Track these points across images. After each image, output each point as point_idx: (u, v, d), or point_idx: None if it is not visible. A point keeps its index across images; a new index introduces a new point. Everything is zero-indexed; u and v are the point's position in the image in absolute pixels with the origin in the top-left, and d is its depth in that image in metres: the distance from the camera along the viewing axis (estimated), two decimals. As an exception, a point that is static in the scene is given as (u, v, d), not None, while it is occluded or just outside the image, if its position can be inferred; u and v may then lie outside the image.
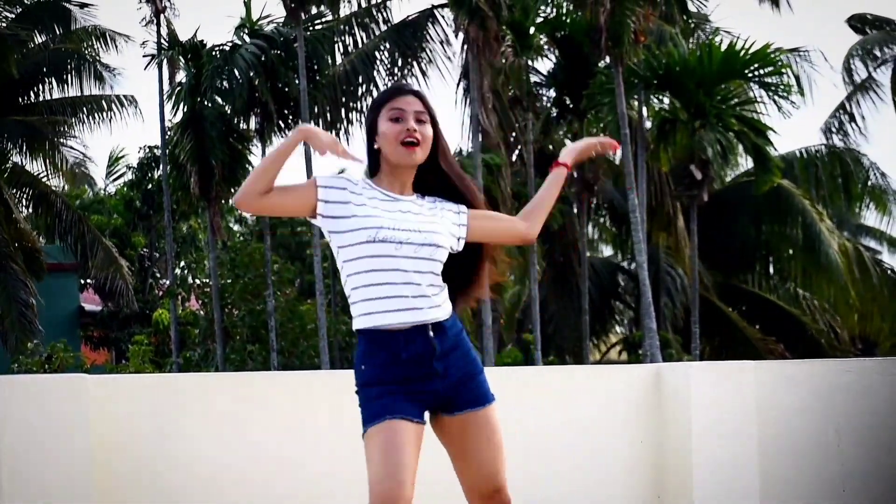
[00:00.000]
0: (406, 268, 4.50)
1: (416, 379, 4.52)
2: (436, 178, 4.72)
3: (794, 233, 31.98)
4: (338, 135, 31.01)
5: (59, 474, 6.47)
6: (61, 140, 30.90)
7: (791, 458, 7.78)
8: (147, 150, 33.88)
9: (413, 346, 4.51)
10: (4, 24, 29.71)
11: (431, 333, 4.53)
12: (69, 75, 30.02)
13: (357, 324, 4.57)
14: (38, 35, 30.51)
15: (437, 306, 4.57)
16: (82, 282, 34.40)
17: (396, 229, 4.51)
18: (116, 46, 30.78)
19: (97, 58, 30.35)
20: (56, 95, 30.42)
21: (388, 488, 4.36)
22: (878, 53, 33.77)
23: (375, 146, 4.66)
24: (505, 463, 4.67)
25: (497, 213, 4.90)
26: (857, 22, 34.70)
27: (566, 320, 32.22)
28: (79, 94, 30.45)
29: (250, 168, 29.81)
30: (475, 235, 4.73)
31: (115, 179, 35.83)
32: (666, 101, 27.91)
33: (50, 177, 30.47)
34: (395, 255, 4.50)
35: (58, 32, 30.66)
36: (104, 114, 30.62)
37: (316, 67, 29.20)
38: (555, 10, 28.14)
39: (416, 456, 4.47)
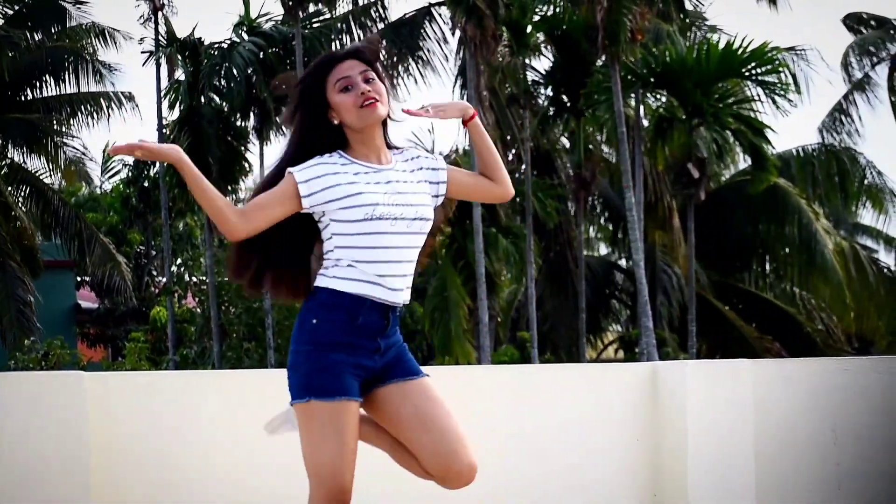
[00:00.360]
0: (398, 244, 4.46)
1: (360, 349, 4.44)
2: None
3: (791, 232, 32.01)
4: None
5: (55, 471, 6.48)
6: (59, 137, 30.88)
7: (787, 457, 7.79)
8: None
9: (369, 316, 4.44)
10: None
11: (390, 313, 4.49)
12: (66, 73, 29.98)
13: (328, 283, 4.45)
14: (35, 33, 30.46)
15: (409, 289, 4.54)
16: (79, 279, 34.37)
17: (389, 205, 4.44)
18: (116, 43, 30.76)
19: (94, 56, 30.30)
20: (53, 92, 30.38)
21: (340, 485, 4.39)
22: (874, 52, 33.78)
23: (335, 121, 4.52)
24: (461, 431, 4.53)
25: (470, 171, 4.81)
26: (854, 21, 34.70)
27: (562, 318, 32.22)
28: (77, 91, 30.42)
29: (247, 165, 29.87)
30: (453, 192, 4.69)
31: (110, 176, 35.79)
32: (663, 99, 27.93)
33: (51, 174, 30.43)
34: (389, 231, 4.44)
35: (54, 30, 30.61)
36: (102, 111, 30.58)
37: (314, 65, 29.23)
38: (552, 8, 28.13)
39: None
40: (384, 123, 4.60)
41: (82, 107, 30.49)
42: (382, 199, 4.44)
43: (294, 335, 4.51)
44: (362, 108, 4.46)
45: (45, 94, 30.40)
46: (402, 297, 4.50)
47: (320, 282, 4.48)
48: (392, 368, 4.53)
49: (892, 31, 33.66)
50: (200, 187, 4.40)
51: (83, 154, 32.64)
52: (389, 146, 4.63)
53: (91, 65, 29.99)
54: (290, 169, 4.46)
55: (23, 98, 30.19)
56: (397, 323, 4.57)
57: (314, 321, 4.44)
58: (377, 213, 4.42)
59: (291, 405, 4.52)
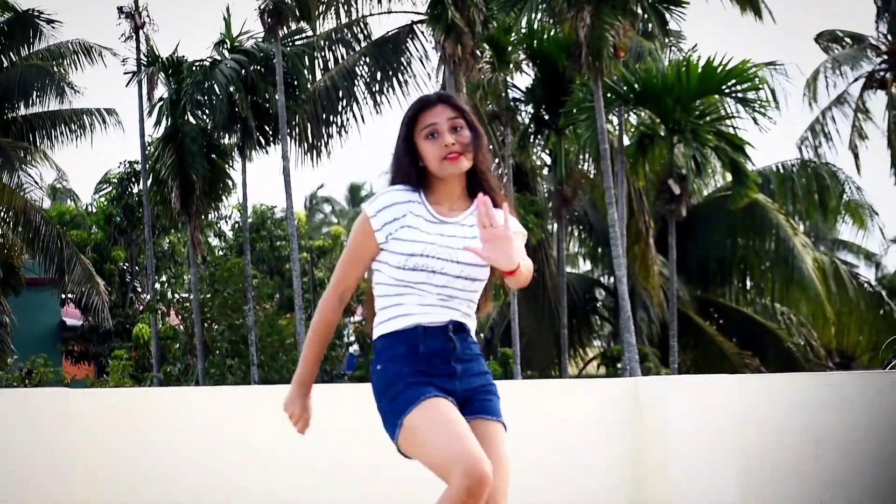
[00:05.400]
0: (440, 292, 4.45)
1: (435, 374, 4.40)
2: (475, 178, 4.61)
3: (769, 247, 32.13)
4: (318, 151, 31.08)
5: (40, 486, 6.49)
6: (39, 156, 30.90)
7: (770, 471, 7.84)
8: (127, 164, 33.85)
9: (431, 342, 4.43)
10: None
11: (451, 333, 4.45)
12: (44, 91, 30.04)
13: (378, 331, 4.49)
14: (12, 52, 30.51)
15: (460, 312, 4.49)
16: (63, 296, 34.34)
17: (431, 257, 4.43)
18: (104, 59, 30.82)
19: (63, 77, 30.36)
20: (34, 110, 30.42)
21: (475, 465, 4.16)
22: (849, 69, 33.92)
23: (421, 164, 4.53)
24: (507, 491, 4.47)
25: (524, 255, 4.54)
26: (828, 39, 34.84)
27: (538, 335, 32.24)
28: (59, 108, 30.46)
29: (231, 183, 29.90)
30: None
31: (102, 195, 35.78)
32: (644, 116, 28.03)
33: (29, 191, 30.38)
34: (426, 281, 4.44)
35: (30, 50, 30.68)
36: (85, 128, 30.62)
37: (296, 83, 29.24)
38: (532, 25, 28.21)
39: None
40: (474, 176, 4.58)
41: (65, 125, 30.51)
42: (423, 248, 4.43)
43: (372, 389, 4.51)
44: (444, 161, 4.47)
45: (27, 111, 30.42)
46: (456, 315, 4.48)
47: (375, 332, 4.51)
48: (471, 401, 4.48)
49: (866, 49, 33.82)
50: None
51: (61, 175, 32.64)
52: (479, 193, 4.51)
53: (61, 85, 30.03)
54: (366, 214, 4.50)
55: (3, 116, 30.20)
56: (472, 354, 4.52)
57: (378, 367, 4.48)
58: (411, 263, 4.42)
59: (399, 450, 4.45)
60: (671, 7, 25.46)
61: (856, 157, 33.06)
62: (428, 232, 4.46)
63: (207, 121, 29.22)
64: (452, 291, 4.46)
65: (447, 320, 4.44)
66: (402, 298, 4.45)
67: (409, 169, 4.54)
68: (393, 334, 4.44)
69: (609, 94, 26.37)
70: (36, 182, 30.59)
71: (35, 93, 30.21)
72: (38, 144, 30.78)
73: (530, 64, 29.33)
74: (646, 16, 25.60)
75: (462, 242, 4.44)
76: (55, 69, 30.44)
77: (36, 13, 30.37)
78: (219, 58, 29.16)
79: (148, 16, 30.46)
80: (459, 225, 4.52)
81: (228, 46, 29.38)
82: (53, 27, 30.63)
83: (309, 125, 30.63)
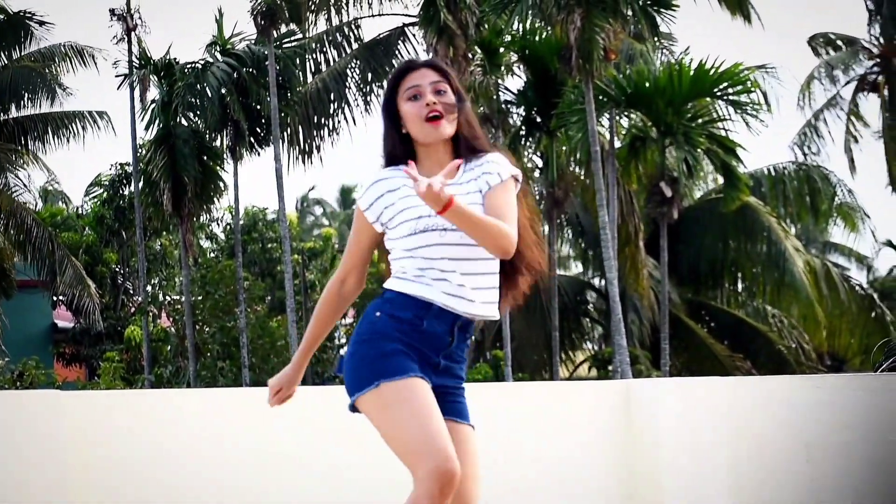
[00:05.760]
0: (456, 255, 4.33)
1: (422, 357, 4.29)
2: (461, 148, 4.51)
3: (760, 250, 32.18)
4: (309, 153, 31.07)
5: (32, 489, 6.48)
6: (29, 159, 30.88)
7: (761, 473, 7.85)
8: (118, 167, 33.82)
9: (434, 325, 4.31)
10: None
11: (457, 329, 4.34)
12: (35, 93, 30.02)
13: (397, 285, 4.36)
14: (3, 54, 30.47)
15: (487, 303, 4.38)
16: (55, 298, 34.33)
17: (434, 216, 4.29)
18: (95, 62, 30.79)
19: (55, 78, 30.32)
20: (25, 113, 30.39)
21: (443, 454, 4.08)
22: (842, 72, 33.99)
23: (404, 131, 4.45)
24: (480, 493, 4.39)
25: (507, 210, 4.40)
26: (820, 42, 34.90)
27: (529, 338, 32.27)
28: (50, 111, 30.44)
29: (222, 185, 29.87)
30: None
31: (94, 198, 35.74)
32: (636, 118, 28.05)
33: (20, 194, 30.35)
34: (439, 242, 4.32)
35: (21, 52, 30.64)
36: (76, 130, 30.59)
37: (287, 85, 29.24)
38: (524, 27, 28.23)
39: None
40: (457, 137, 4.50)
41: (54, 127, 30.48)
42: (427, 209, 4.29)
43: (356, 331, 4.38)
44: (426, 122, 4.40)
45: (22, 113, 30.40)
46: (475, 309, 4.34)
47: (389, 284, 4.39)
48: (444, 401, 4.34)
49: (858, 52, 33.89)
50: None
51: (52, 177, 32.64)
52: (471, 153, 4.49)
53: (54, 86, 30.00)
54: (357, 202, 4.51)
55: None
56: (462, 351, 4.43)
57: (377, 314, 4.34)
58: (421, 225, 4.33)
59: (353, 406, 4.33)
60: (661, 10, 25.49)
61: (851, 160, 33.15)
62: (417, 199, 4.31)
63: (199, 123, 29.21)
64: (468, 250, 4.32)
65: (463, 310, 4.32)
66: (422, 264, 4.32)
67: (395, 142, 4.48)
68: (408, 297, 4.32)
69: (601, 97, 26.40)
70: (25, 185, 30.56)
71: (26, 95, 30.18)
72: (30, 147, 30.74)
73: (522, 66, 29.36)
74: (636, 18, 25.61)
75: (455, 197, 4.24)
76: (46, 71, 30.41)
77: (27, 15, 30.32)
78: (211, 60, 29.15)
79: (140, 18, 30.45)
80: (453, 184, 4.36)
81: (220, 49, 29.37)
82: (45, 29, 30.61)
83: (300, 128, 30.64)
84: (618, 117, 28.48)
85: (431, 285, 4.31)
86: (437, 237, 4.32)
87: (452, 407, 4.37)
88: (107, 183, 34.21)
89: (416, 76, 4.46)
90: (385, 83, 30.72)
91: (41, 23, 30.51)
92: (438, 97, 4.43)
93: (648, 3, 25.26)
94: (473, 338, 4.45)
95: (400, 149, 4.48)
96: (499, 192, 4.40)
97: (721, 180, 29.47)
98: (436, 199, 4.11)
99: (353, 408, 4.33)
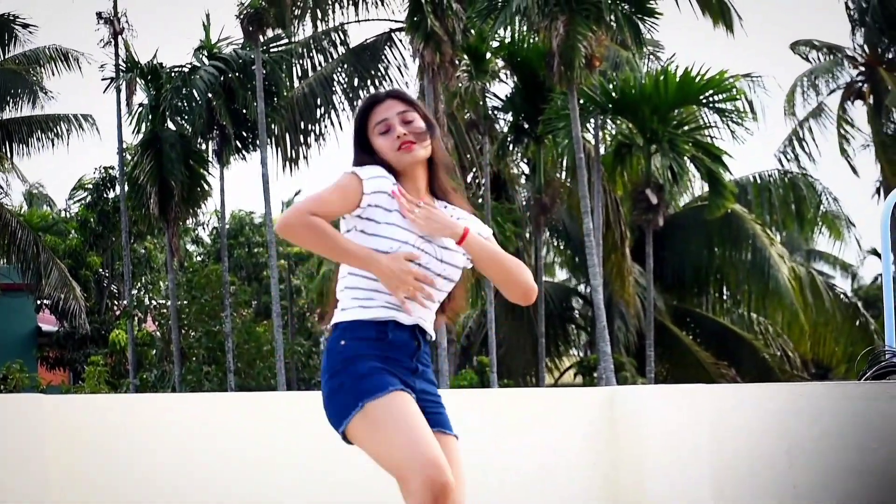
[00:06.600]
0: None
1: (396, 362, 4.27)
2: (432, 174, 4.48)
3: (745, 257, 32.25)
4: (296, 158, 31.10)
5: (14, 493, 6.48)
6: (8, 163, 30.84)
7: (744, 481, 7.86)
8: (102, 170, 33.75)
9: (398, 334, 4.29)
10: None
11: (418, 332, 4.32)
12: (18, 96, 29.98)
13: (348, 316, 4.30)
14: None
15: (427, 317, 4.36)
16: (39, 302, 34.26)
17: (419, 249, 4.29)
18: (80, 65, 30.75)
19: (38, 81, 30.28)
20: (9, 115, 30.34)
21: (437, 476, 4.04)
22: (827, 80, 34.11)
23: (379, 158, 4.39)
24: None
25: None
26: (804, 48, 35.01)
27: (516, 344, 32.31)
28: (35, 113, 30.40)
29: (209, 188, 29.82)
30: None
31: (78, 201, 35.66)
32: (622, 125, 28.12)
33: (5, 195, 30.31)
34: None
35: (5, 54, 30.59)
36: (62, 133, 30.54)
37: (274, 90, 29.24)
38: (510, 34, 28.28)
39: None
40: (433, 170, 4.47)
41: (39, 130, 30.43)
42: (415, 241, 4.29)
43: (325, 366, 4.32)
44: (399, 151, 4.36)
45: (4, 116, 30.34)
46: (427, 326, 4.35)
47: (339, 317, 4.32)
48: (427, 411, 4.29)
49: (842, 60, 34.00)
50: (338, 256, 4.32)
51: (37, 183, 32.63)
52: (438, 196, 4.47)
53: (31, 90, 29.95)
54: (359, 172, 4.31)
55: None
56: (427, 360, 4.39)
57: (342, 342, 4.28)
58: (411, 240, 4.30)
59: (343, 434, 4.27)
60: (644, 18, 25.55)
61: (851, 166, 33.27)
62: (409, 226, 4.31)
63: (186, 127, 29.20)
64: (430, 291, 4.31)
65: (414, 323, 4.31)
66: (377, 294, 4.28)
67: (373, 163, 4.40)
68: (363, 322, 4.27)
69: (586, 104, 26.45)
70: (2, 188, 30.50)
71: (9, 98, 30.11)
72: (14, 150, 30.67)
73: (510, 73, 29.41)
74: (619, 26, 25.66)
75: (444, 240, 4.31)
76: (30, 74, 30.35)
77: (11, 17, 30.28)
78: (198, 64, 29.14)
79: (127, 21, 30.42)
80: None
81: (207, 53, 29.36)
82: (29, 32, 30.56)
83: (287, 133, 30.66)
84: (604, 124, 28.54)
85: (385, 307, 4.28)
86: (424, 259, 4.30)
87: (435, 418, 4.33)
88: (91, 186, 34.13)
89: (382, 110, 4.43)
90: (371, 86, 30.77)
91: (25, 25, 30.47)
92: (408, 126, 4.39)
93: (632, 11, 25.33)
94: (457, 343, 4.43)
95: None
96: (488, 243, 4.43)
97: (706, 188, 29.52)
98: (450, 227, 4.25)
99: (346, 438, 4.30)
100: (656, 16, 25.54)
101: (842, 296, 34.17)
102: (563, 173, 30.35)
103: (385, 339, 4.26)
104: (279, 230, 4.29)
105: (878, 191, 33.20)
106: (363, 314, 4.28)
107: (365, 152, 4.43)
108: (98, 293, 34.71)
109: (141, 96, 29.58)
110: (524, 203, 31.25)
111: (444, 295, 4.40)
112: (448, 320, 4.62)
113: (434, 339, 4.47)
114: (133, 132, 29.48)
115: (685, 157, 26.72)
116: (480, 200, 28.43)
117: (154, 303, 34.03)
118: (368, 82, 31.18)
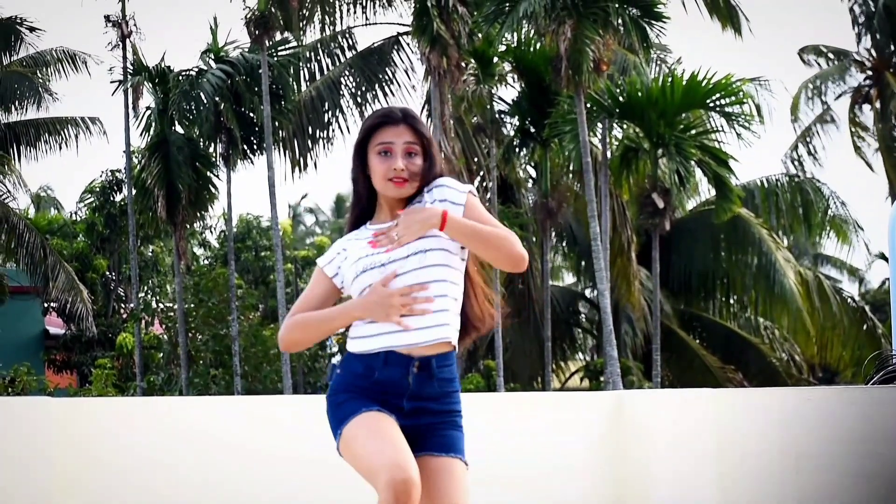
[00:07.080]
0: (399, 285, 4.33)
1: (384, 401, 4.34)
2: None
3: (752, 262, 32.19)
4: (304, 162, 31.10)
5: (21, 495, 6.49)
6: (24, 163, 30.90)
7: (750, 485, 7.86)
8: (109, 173, 33.77)
9: (386, 372, 4.36)
10: None
11: (415, 369, 4.36)
12: (25, 99, 30.02)
13: (348, 347, 4.46)
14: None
15: (440, 326, 4.37)
16: (46, 305, 34.31)
17: (373, 254, 4.36)
18: (87, 68, 30.79)
19: (44, 84, 30.31)
20: (15, 118, 30.39)
21: (397, 474, 4.11)
22: (835, 85, 34.11)
23: (367, 174, 4.46)
24: None
25: (489, 218, 4.49)
26: (810, 54, 35.00)
27: (523, 348, 32.27)
28: (41, 116, 30.44)
29: (216, 192, 29.80)
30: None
31: (85, 205, 35.68)
32: (628, 129, 28.09)
33: (12, 199, 30.34)
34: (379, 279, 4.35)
35: (11, 57, 30.63)
36: (69, 136, 30.58)
37: (281, 93, 29.23)
38: (517, 38, 28.28)
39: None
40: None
41: (46, 133, 30.47)
42: (367, 250, 4.39)
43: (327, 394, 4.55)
44: (389, 182, 4.39)
45: (13, 118, 30.38)
46: (427, 336, 4.33)
47: (347, 345, 4.48)
48: (424, 438, 4.39)
49: (849, 65, 33.99)
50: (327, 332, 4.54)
51: (46, 186, 32.65)
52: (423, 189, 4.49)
53: (37, 92, 29.98)
54: (318, 262, 4.55)
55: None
56: (435, 390, 4.40)
57: (337, 371, 4.48)
58: (360, 266, 4.38)
59: (341, 455, 4.45)
60: (652, 21, 25.52)
61: (867, 163, 33.24)
62: (367, 248, 4.41)
63: (194, 130, 29.20)
64: (413, 276, 4.33)
65: (416, 343, 4.34)
66: (372, 325, 4.37)
67: (362, 195, 4.50)
68: (357, 355, 4.40)
69: (593, 108, 26.43)
70: (9, 191, 30.53)
71: (16, 101, 30.15)
72: (21, 153, 30.70)
73: (516, 77, 29.40)
74: (627, 30, 25.63)
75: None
76: (37, 76, 30.39)
77: (18, 20, 30.31)
78: (205, 68, 29.14)
79: (135, 25, 30.42)
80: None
81: (214, 56, 29.36)
82: (36, 35, 30.61)
83: (294, 136, 30.67)
84: (610, 128, 28.51)
85: (379, 334, 4.35)
86: (377, 274, 4.36)
87: (432, 441, 4.39)
88: (98, 190, 34.16)
89: (391, 132, 4.44)
90: (379, 90, 30.79)
91: (32, 28, 30.52)
92: (408, 160, 4.42)
93: (639, 14, 25.31)
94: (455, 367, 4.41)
95: (364, 188, 4.50)
96: (469, 209, 4.45)
97: (713, 192, 29.49)
98: (426, 219, 4.30)
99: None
100: (664, 20, 25.52)
101: (849, 300, 34.11)
102: (570, 177, 30.33)
103: (371, 377, 4.37)
104: (281, 348, 4.61)
105: (893, 194, 33.22)
106: (356, 347, 4.42)
107: (358, 164, 4.49)
108: (105, 296, 34.74)
109: (148, 99, 29.60)
110: (531, 207, 31.23)
111: (436, 284, 4.36)
112: (476, 331, 4.60)
113: (454, 345, 4.45)
114: (140, 135, 29.50)
115: (692, 161, 26.67)
116: (487, 204, 28.44)
117: (161, 306, 34.01)
118: (376, 86, 31.17)
